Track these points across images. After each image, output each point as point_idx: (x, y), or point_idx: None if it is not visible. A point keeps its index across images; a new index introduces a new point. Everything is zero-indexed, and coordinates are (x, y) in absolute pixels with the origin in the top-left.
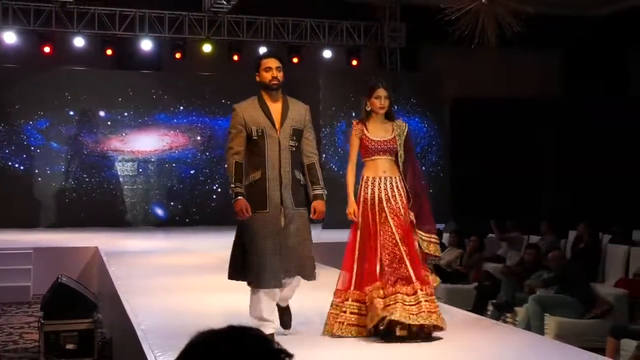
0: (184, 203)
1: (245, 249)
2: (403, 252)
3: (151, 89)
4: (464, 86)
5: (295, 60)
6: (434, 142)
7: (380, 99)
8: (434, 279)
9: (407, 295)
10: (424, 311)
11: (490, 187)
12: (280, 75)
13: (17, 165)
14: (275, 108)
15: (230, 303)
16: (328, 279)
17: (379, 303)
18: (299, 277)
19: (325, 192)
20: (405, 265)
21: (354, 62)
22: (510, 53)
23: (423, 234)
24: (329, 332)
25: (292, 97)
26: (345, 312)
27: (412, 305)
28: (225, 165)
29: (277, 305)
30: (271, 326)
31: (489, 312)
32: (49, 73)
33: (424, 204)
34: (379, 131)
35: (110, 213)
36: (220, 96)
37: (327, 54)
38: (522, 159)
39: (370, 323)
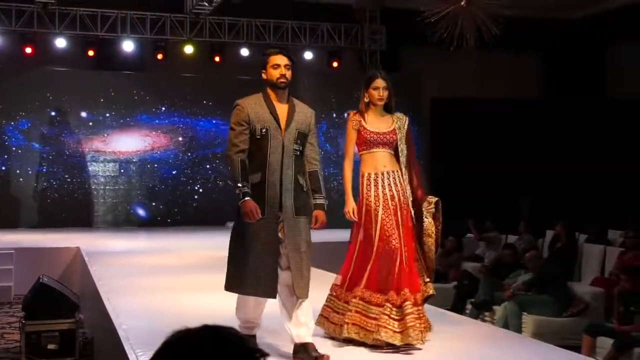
0: (166, 203)
1: (236, 255)
2: (403, 259)
3: (133, 90)
4: (443, 87)
5: None
6: (414, 142)
7: (379, 90)
8: (429, 287)
9: (394, 306)
10: (407, 328)
11: (469, 187)
12: (288, 73)
13: None
14: (282, 108)
15: (211, 303)
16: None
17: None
18: (307, 302)
19: (326, 202)
20: (400, 273)
21: (335, 64)
22: (489, 55)
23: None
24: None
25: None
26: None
27: (396, 319)
28: (229, 164)
29: (295, 344)
30: (256, 328)
31: (467, 311)
32: (31, 74)
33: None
34: (377, 123)
35: (92, 213)
36: (201, 97)
37: (308, 55)
38: (500, 159)
39: (341, 331)
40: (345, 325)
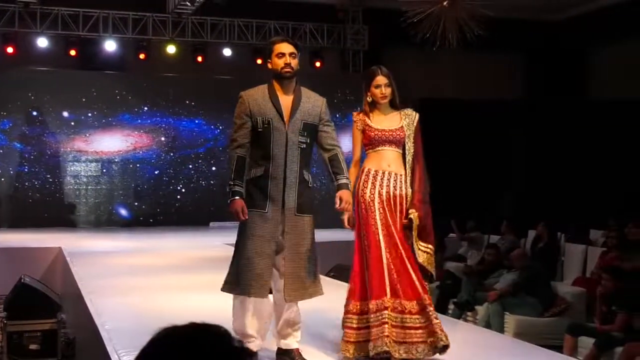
0: (149, 203)
1: (236, 254)
2: (409, 264)
3: (115, 90)
4: (427, 88)
5: (259, 61)
6: None
7: (380, 88)
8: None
9: (412, 314)
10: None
11: (452, 187)
12: (294, 62)
13: None
14: (286, 99)
15: (195, 303)
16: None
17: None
18: (296, 307)
19: (351, 182)
20: (411, 277)
21: (317, 64)
22: (472, 55)
23: (421, 243)
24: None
25: (307, 89)
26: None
27: (417, 329)
28: (227, 159)
29: (278, 349)
30: (256, 343)
31: (450, 311)
32: (12, 73)
33: (429, 213)
34: (384, 121)
35: (74, 213)
36: (184, 97)
37: None
38: (482, 159)
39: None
40: (385, 339)
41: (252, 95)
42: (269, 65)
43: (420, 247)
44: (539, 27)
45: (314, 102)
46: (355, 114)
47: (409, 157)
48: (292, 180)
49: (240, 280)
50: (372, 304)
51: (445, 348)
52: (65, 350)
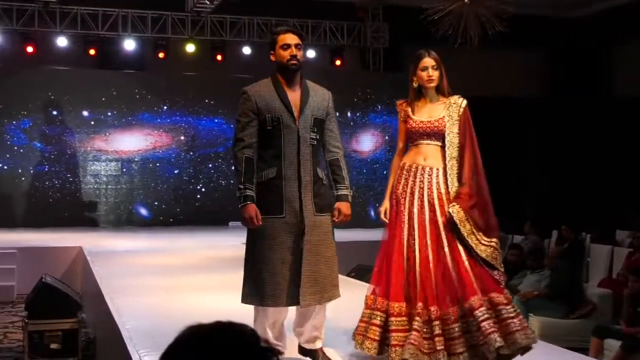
0: (168, 203)
1: (253, 262)
2: (450, 264)
3: (134, 89)
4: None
5: None
6: None
7: (427, 70)
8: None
9: (448, 323)
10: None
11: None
12: (300, 54)
13: (0, 165)
14: (293, 93)
15: (214, 303)
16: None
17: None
18: (321, 309)
19: (351, 193)
20: (449, 280)
21: (338, 62)
22: (493, 52)
23: (482, 236)
24: (358, 343)
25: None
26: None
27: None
28: (234, 161)
29: (300, 347)
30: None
31: None
32: (32, 73)
33: (485, 201)
34: (426, 111)
35: (94, 213)
36: (203, 96)
37: (310, 53)
38: (505, 158)
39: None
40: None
41: (257, 91)
42: (273, 58)
43: (482, 240)
44: (561, 24)
45: (321, 96)
46: (398, 103)
47: (450, 150)
48: (307, 180)
49: (266, 292)
50: (394, 306)
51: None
52: (86, 349)
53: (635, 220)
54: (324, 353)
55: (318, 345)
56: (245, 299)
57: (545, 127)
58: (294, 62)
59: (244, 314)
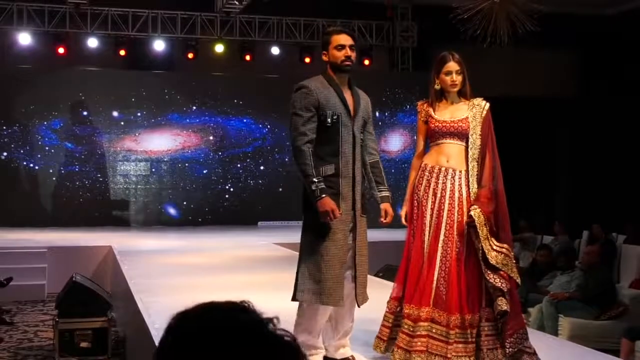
0: (197, 203)
1: (311, 259)
2: (462, 273)
3: (164, 89)
4: (476, 85)
5: (307, 60)
6: None
7: (451, 75)
8: (501, 302)
9: (452, 328)
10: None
11: (505, 188)
12: (354, 55)
13: (32, 165)
14: (347, 93)
15: None
16: None
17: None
18: (352, 314)
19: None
20: (457, 289)
21: (366, 62)
22: (523, 52)
23: (494, 242)
24: (377, 347)
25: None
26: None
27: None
28: (295, 156)
29: (331, 359)
30: (322, 354)
31: None
32: (63, 73)
33: (501, 206)
34: (449, 111)
35: (124, 212)
36: (232, 96)
37: None
38: (536, 158)
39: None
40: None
41: (317, 87)
42: (325, 58)
43: (494, 246)
44: (594, 22)
45: (366, 99)
46: (419, 103)
47: (472, 152)
48: (359, 179)
49: (323, 289)
50: (407, 309)
51: None
52: (116, 348)
53: None
54: (354, 359)
55: (349, 353)
56: (302, 296)
57: (577, 128)
58: (348, 62)
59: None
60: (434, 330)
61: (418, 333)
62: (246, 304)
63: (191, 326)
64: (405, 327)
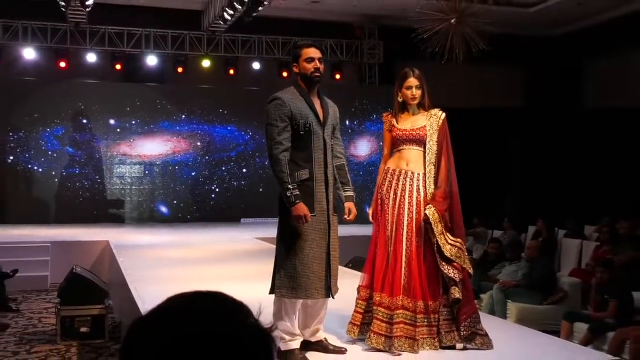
0: (186, 201)
1: (287, 258)
2: (420, 263)
3: (156, 100)
4: (436, 98)
5: (284, 74)
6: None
7: (412, 89)
8: (454, 291)
9: (418, 313)
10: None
11: (460, 188)
12: (322, 67)
13: (36, 168)
14: (317, 103)
15: (229, 292)
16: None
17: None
18: (324, 303)
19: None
20: (418, 278)
21: (338, 76)
22: (477, 68)
23: (449, 236)
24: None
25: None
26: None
27: (422, 326)
28: (272, 164)
29: (305, 342)
30: (299, 341)
31: None
32: (65, 85)
33: (455, 204)
34: (409, 121)
35: (120, 210)
36: (217, 106)
37: None
38: (489, 163)
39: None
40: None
41: (289, 98)
42: (296, 69)
43: (449, 240)
44: (539, 42)
45: (333, 107)
46: (384, 115)
47: (429, 156)
48: (331, 182)
49: (299, 285)
50: (377, 296)
51: (452, 348)
52: (112, 332)
53: (608, 217)
54: (327, 341)
55: (322, 335)
56: (277, 291)
57: (525, 135)
58: (317, 74)
59: (256, 302)
60: (405, 316)
61: (395, 320)
62: (223, 295)
63: (160, 320)
64: (380, 314)
